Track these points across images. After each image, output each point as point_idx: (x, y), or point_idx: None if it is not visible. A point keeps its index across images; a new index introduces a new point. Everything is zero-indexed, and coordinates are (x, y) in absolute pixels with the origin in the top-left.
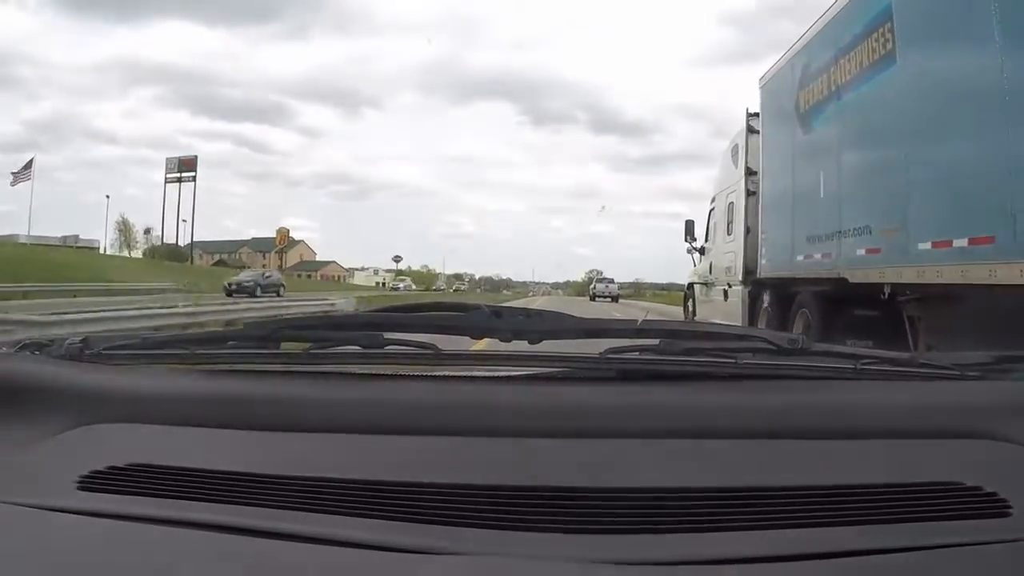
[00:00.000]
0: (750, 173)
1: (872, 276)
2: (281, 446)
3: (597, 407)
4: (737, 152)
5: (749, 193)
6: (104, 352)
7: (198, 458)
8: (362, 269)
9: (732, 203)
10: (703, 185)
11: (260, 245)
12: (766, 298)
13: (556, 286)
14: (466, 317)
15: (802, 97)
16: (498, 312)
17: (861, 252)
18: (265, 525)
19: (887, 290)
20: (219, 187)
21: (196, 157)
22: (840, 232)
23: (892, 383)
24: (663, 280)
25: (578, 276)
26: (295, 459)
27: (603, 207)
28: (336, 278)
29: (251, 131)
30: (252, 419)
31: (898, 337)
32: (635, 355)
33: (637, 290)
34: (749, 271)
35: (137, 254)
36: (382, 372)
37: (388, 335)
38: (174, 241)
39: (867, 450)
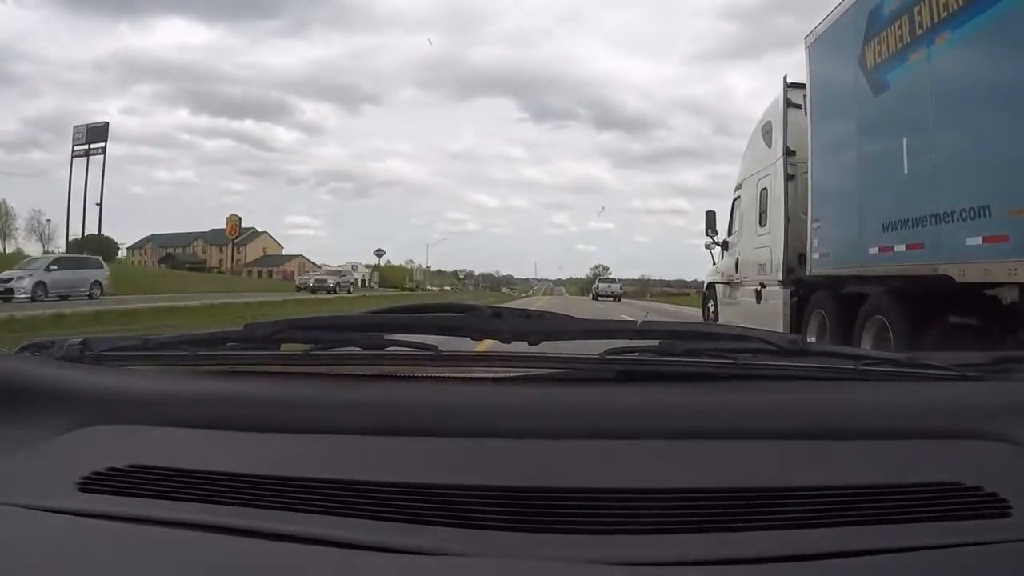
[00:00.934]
0: (789, 153)
1: (997, 273)
2: (282, 447)
3: (597, 408)
4: (771, 130)
5: (788, 177)
6: (105, 353)
7: (199, 459)
8: (336, 266)
9: (766, 189)
10: (706, 181)
11: (218, 238)
12: (819, 301)
13: (559, 283)
14: (466, 318)
15: (870, 50)
16: (498, 313)
17: (975, 241)
18: (266, 526)
19: (1011, 294)
20: (220, 185)
21: (107, 124)
22: (939, 216)
23: (892, 383)
24: (670, 277)
25: (582, 272)
26: (296, 460)
27: (602, 208)
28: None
29: (252, 128)
30: (253, 420)
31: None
32: (635, 356)
33: (643, 287)
34: (791, 268)
35: (38, 246)
36: (383, 373)
37: (389, 336)
38: (102, 232)
39: (867, 450)
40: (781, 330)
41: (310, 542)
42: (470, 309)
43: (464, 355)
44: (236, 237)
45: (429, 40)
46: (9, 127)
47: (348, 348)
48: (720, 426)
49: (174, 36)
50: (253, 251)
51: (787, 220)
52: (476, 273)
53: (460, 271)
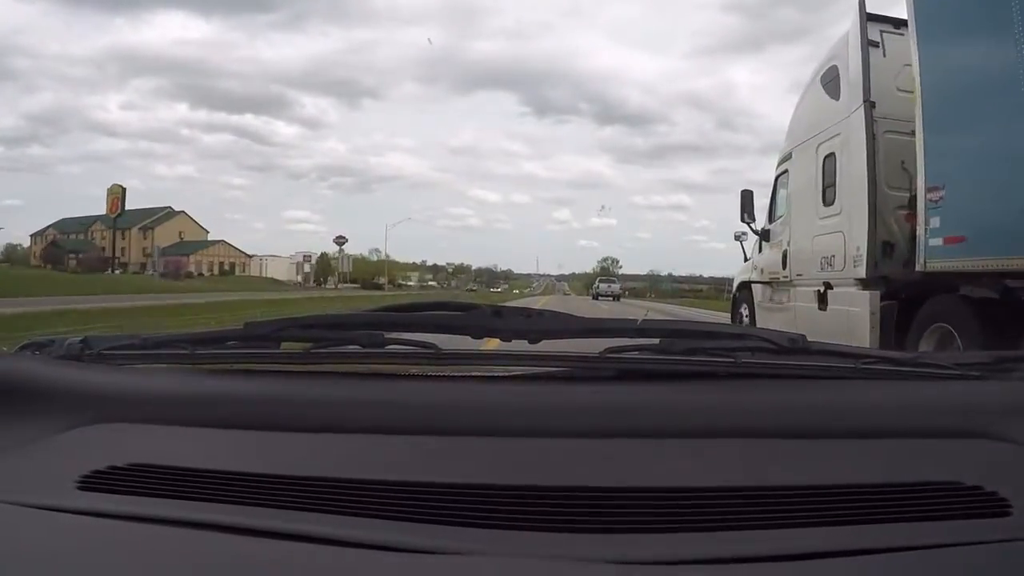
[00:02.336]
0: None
1: None
2: (282, 446)
3: (597, 406)
4: (838, 76)
5: (870, 136)
6: (104, 352)
7: (198, 458)
8: (275, 256)
9: (832, 155)
10: (708, 177)
11: (125, 220)
12: (940, 309)
13: (561, 278)
14: (466, 316)
15: None
16: (498, 311)
17: None
18: (265, 525)
19: None
20: (221, 179)
21: None
22: None
23: (893, 382)
24: (681, 272)
25: (587, 267)
26: (296, 459)
27: (603, 206)
28: (222, 267)
29: (252, 122)
30: (252, 419)
31: None
32: (635, 355)
33: (653, 283)
34: (877, 262)
35: None
36: (383, 371)
37: (389, 334)
38: None
39: (867, 450)
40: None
41: (310, 540)
42: (471, 308)
43: (464, 353)
44: (119, 215)
45: (429, 39)
46: (8, 122)
47: (348, 347)
48: (720, 425)
49: (171, 31)
50: (165, 235)
51: (871, 192)
52: (474, 268)
53: (450, 264)
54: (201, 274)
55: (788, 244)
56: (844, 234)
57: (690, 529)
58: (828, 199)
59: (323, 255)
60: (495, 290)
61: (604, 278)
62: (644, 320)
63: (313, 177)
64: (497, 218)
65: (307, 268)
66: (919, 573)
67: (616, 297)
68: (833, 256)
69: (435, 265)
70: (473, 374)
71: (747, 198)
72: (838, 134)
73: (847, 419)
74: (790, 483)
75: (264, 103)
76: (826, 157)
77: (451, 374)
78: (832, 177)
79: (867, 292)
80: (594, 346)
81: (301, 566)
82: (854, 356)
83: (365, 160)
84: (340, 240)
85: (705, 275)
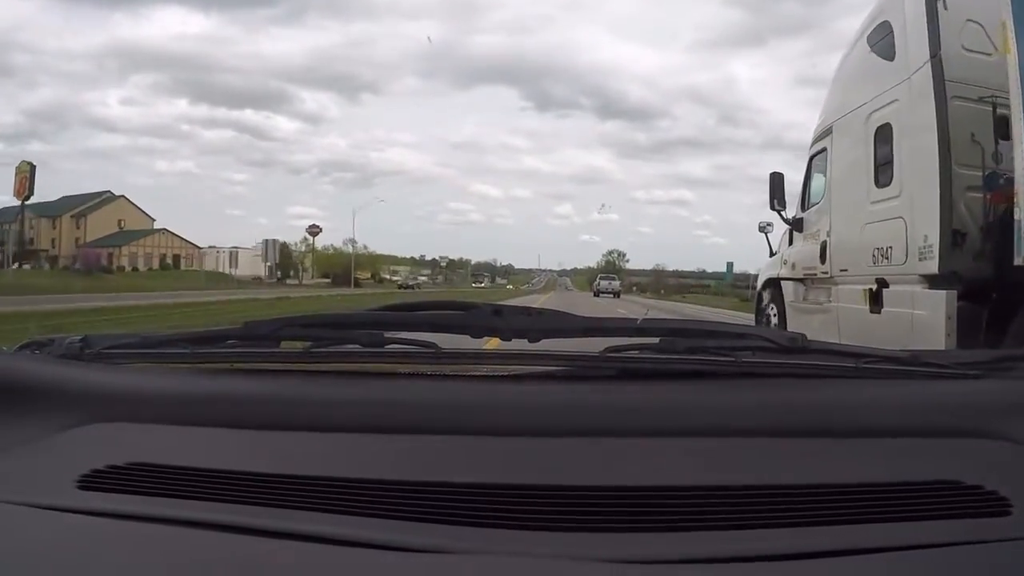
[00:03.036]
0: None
1: None
2: (281, 445)
3: (597, 406)
4: (892, 36)
5: (940, 97)
6: (104, 351)
7: (198, 457)
8: (237, 248)
9: (888, 126)
10: (710, 172)
11: (55, 207)
12: None
13: (564, 273)
14: (467, 316)
15: None
16: (498, 310)
17: None
18: (265, 524)
19: None
20: (222, 175)
21: None
22: None
23: (893, 382)
24: (688, 266)
25: (590, 262)
26: (295, 458)
27: (603, 205)
28: (163, 260)
29: (252, 118)
30: (252, 418)
31: None
32: (635, 354)
33: (658, 280)
34: (948, 255)
35: None
36: (382, 371)
37: (389, 334)
38: None
39: (867, 449)
40: None
41: (309, 540)
42: (470, 307)
43: (464, 353)
44: (27, 198)
45: (429, 38)
46: (7, 119)
47: (348, 346)
48: (720, 424)
49: (170, 25)
50: (100, 224)
51: (946, 167)
52: (474, 262)
53: (443, 258)
54: (135, 268)
55: (828, 234)
56: (905, 220)
57: (689, 528)
58: (883, 179)
59: (284, 245)
60: (478, 285)
61: (604, 276)
62: (644, 319)
63: (314, 172)
64: (499, 213)
65: (268, 261)
66: (919, 572)
67: (616, 294)
68: (890, 248)
69: (433, 260)
70: (473, 373)
71: (777, 182)
72: (895, 100)
73: (848, 418)
74: (790, 482)
75: (264, 98)
76: (879, 129)
77: (451, 373)
78: (888, 152)
79: (940, 292)
80: (594, 345)
81: (300, 565)
82: (854, 355)
83: (366, 155)
84: (313, 230)
85: (709, 270)
